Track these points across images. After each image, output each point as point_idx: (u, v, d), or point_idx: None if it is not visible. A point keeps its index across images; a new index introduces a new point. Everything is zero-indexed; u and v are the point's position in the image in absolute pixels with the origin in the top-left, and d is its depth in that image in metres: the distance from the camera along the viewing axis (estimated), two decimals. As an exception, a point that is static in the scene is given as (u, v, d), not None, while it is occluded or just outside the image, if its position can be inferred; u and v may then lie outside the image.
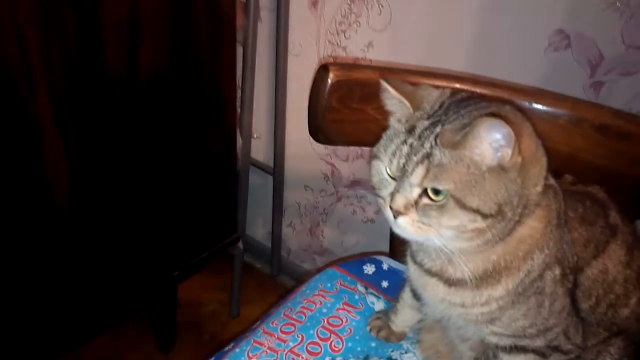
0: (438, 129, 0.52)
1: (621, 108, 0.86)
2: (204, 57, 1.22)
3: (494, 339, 0.60)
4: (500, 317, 0.56)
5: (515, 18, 1.00)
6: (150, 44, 1.09)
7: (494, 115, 0.49)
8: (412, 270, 0.64)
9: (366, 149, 1.30)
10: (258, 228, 1.66)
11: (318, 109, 0.77)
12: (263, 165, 1.52)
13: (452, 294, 0.57)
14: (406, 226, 0.53)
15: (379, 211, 1.43)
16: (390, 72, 0.78)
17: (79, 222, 1.09)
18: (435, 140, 0.51)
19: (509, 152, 0.49)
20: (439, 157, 0.50)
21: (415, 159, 0.51)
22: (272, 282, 1.65)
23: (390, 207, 0.53)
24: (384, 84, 0.57)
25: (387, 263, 0.92)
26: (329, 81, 0.75)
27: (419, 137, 0.52)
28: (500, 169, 0.50)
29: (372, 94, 0.77)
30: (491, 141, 0.49)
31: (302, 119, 1.45)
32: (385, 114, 0.79)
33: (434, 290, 0.59)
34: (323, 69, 0.75)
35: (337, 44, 1.26)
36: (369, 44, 1.21)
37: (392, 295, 0.85)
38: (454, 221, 0.51)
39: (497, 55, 1.05)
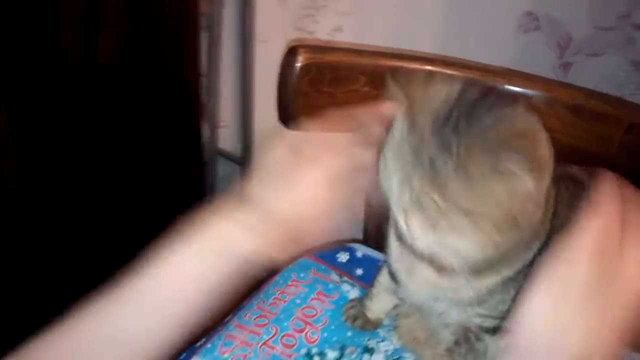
0: (450, 162, 0.43)
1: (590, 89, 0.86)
2: (167, 45, 1.18)
3: (478, 320, 0.59)
4: (488, 300, 0.55)
5: (485, 0, 0.99)
6: (110, 30, 1.05)
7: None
8: (396, 252, 0.60)
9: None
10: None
11: (287, 94, 0.74)
12: (231, 155, 1.49)
13: (441, 281, 0.55)
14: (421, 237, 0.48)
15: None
16: (361, 54, 0.75)
17: (29, 221, 1.04)
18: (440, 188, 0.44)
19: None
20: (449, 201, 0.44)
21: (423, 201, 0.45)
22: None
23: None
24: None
25: (361, 251, 0.91)
26: (298, 64, 0.72)
27: (431, 166, 0.44)
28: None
29: (343, 76, 0.75)
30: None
31: (270, 106, 1.42)
32: (358, 99, 0.77)
33: (421, 275, 0.57)
34: (291, 52, 0.73)
35: (304, 29, 1.24)
36: (337, 28, 1.18)
37: (367, 282, 0.83)
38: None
39: (467, 37, 1.04)
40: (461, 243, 0.47)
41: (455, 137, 0.44)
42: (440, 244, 0.49)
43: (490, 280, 0.53)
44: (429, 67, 0.74)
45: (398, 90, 0.47)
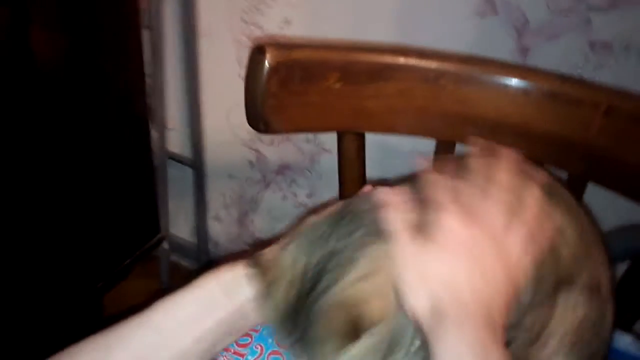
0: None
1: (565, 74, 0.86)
2: (106, 44, 1.11)
3: None
4: None
5: (440, -15, 0.98)
6: (41, 29, 0.96)
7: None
8: None
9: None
10: (182, 225, 1.56)
11: (256, 96, 0.69)
12: (181, 158, 1.42)
13: None
14: None
15: (311, 195, 1.39)
16: (331, 50, 0.72)
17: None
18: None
19: None
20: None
21: None
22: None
23: None
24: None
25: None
26: (267, 64, 0.68)
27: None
28: None
29: (313, 74, 0.71)
30: None
31: (218, 104, 1.37)
32: (331, 96, 0.74)
33: None
34: (258, 51, 0.68)
35: (252, 22, 1.19)
36: (286, 20, 1.14)
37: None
38: None
39: (423, 23, 1.02)
40: None
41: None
42: None
43: None
44: (402, 59, 0.72)
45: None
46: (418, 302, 0.44)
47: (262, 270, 0.51)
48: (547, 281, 0.50)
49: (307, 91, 0.71)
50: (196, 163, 1.39)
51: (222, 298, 0.50)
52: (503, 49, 0.96)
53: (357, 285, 0.47)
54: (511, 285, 0.46)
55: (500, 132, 0.73)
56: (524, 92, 0.69)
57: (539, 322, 0.50)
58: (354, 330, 0.46)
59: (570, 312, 0.51)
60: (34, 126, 1.01)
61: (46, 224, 1.06)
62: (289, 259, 0.50)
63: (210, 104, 1.34)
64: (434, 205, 0.47)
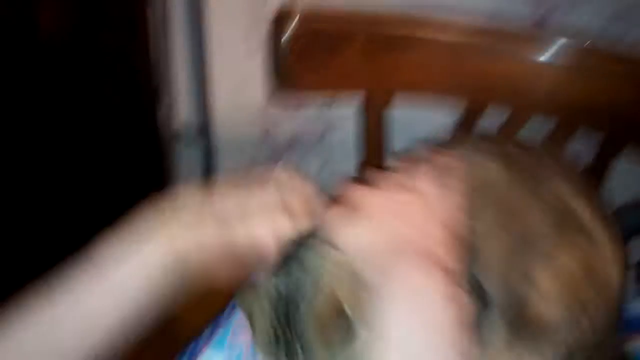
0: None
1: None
2: (113, 17, 1.10)
3: None
4: None
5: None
6: (47, 2, 0.95)
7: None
8: None
9: (305, 105, 1.24)
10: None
11: (279, 58, 0.69)
12: (189, 134, 1.41)
13: None
14: None
15: (322, 170, 1.39)
16: (354, 18, 0.71)
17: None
18: None
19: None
20: None
21: None
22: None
23: None
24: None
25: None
26: (289, 32, 0.67)
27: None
28: None
29: (336, 41, 0.71)
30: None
31: (228, 75, 1.35)
32: (353, 62, 0.74)
33: None
34: (280, 19, 0.68)
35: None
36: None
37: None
38: None
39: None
40: None
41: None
42: None
43: None
44: (426, 29, 0.72)
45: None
46: (362, 257, 0.47)
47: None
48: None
49: (330, 59, 0.71)
50: (205, 139, 1.38)
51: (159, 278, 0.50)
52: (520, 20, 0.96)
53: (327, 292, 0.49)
54: (448, 235, 0.49)
55: (527, 96, 0.74)
56: (548, 63, 0.69)
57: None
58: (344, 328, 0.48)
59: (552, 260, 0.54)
60: (40, 102, 1.00)
61: (52, 201, 1.06)
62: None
63: (219, 79, 1.33)
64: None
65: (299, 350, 0.51)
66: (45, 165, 1.06)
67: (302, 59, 0.69)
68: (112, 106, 1.16)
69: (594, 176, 0.76)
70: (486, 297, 0.53)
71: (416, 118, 1.10)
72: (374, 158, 0.81)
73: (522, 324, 0.53)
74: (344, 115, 1.25)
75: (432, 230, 0.49)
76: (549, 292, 0.53)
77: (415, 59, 0.77)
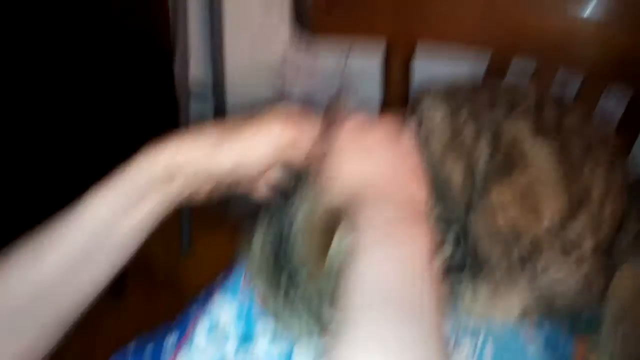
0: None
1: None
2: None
3: None
4: None
5: None
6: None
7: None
8: None
9: (321, 65, 1.20)
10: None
11: (303, 6, 0.66)
12: (201, 89, 1.39)
13: None
14: None
15: (335, 130, 1.36)
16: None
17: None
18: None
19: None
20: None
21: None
22: (223, 209, 1.54)
23: None
24: None
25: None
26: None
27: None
28: None
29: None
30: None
31: (243, 32, 1.32)
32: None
33: None
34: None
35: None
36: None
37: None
38: None
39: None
40: None
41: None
42: None
43: None
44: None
45: None
46: (340, 192, 0.51)
47: None
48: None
49: (354, 1, 0.68)
50: (217, 94, 1.36)
51: (150, 191, 0.51)
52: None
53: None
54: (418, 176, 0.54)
55: (558, 50, 0.71)
56: (582, 16, 0.66)
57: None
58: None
59: None
60: (55, 57, 0.97)
61: (67, 157, 1.04)
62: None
63: (234, 36, 1.30)
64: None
65: (294, 272, 0.53)
66: (62, 120, 1.05)
67: (326, 3, 0.66)
68: (127, 63, 1.13)
69: (623, 135, 0.73)
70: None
71: (439, 71, 1.07)
72: (396, 108, 0.78)
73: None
74: (362, 73, 1.22)
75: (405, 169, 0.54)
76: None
77: (443, 7, 0.73)
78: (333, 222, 0.50)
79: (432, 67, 1.03)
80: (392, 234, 0.45)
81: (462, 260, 0.59)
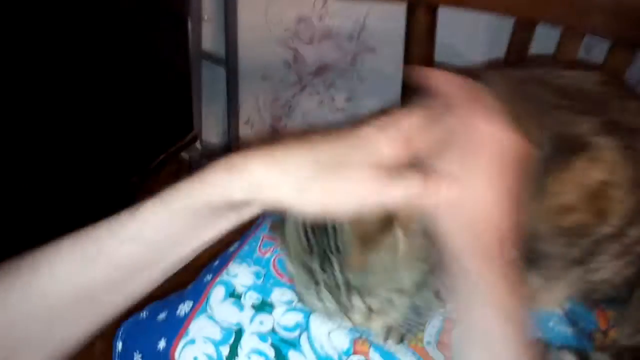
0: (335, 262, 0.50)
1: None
2: None
3: None
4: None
5: None
6: None
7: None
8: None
9: (337, 27, 1.17)
10: (212, 129, 1.51)
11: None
12: (213, 55, 1.36)
13: None
14: (379, 326, 0.54)
15: (350, 99, 1.33)
16: None
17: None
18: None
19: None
20: (359, 281, 0.50)
21: (343, 295, 0.51)
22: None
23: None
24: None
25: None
26: None
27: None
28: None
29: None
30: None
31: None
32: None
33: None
34: None
35: None
36: None
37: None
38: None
39: None
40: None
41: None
42: None
43: None
44: None
45: None
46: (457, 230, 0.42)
47: None
48: None
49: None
50: (229, 61, 1.32)
51: (224, 214, 0.45)
52: None
53: None
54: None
55: (587, 12, 0.67)
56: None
57: None
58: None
59: None
60: (72, 20, 0.95)
61: (82, 115, 1.03)
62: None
63: (247, -1, 1.26)
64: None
65: (333, 258, 0.50)
66: (78, 80, 1.03)
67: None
68: (139, 25, 1.11)
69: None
70: None
71: (460, 38, 1.03)
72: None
73: None
74: (382, 35, 1.19)
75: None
76: None
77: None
78: (387, 218, 0.47)
79: (454, 32, 1.00)
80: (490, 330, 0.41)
81: None
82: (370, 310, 0.52)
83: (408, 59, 0.75)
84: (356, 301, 0.51)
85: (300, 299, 0.56)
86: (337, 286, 0.51)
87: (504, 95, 0.58)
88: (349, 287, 0.50)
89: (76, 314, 0.47)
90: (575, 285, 0.61)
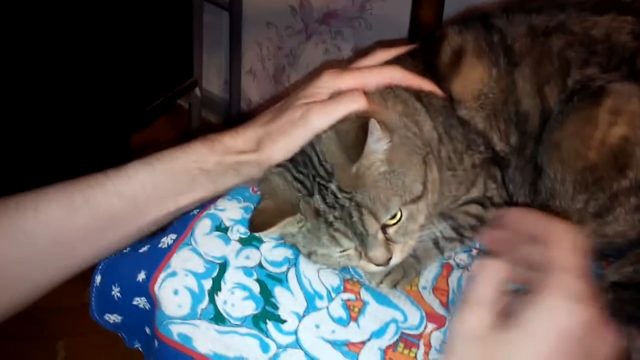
0: (332, 185, 0.50)
1: None
2: None
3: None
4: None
5: None
6: None
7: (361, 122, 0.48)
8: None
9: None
10: (213, 77, 1.47)
11: None
12: (218, 0, 1.30)
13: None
14: (398, 259, 0.52)
15: (356, 49, 1.28)
16: None
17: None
18: (344, 191, 0.49)
19: (384, 136, 0.49)
20: (364, 197, 0.49)
21: (356, 220, 0.49)
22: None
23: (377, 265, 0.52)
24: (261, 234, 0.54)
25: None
26: None
27: (333, 206, 0.50)
28: (393, 151, 0.51)
29: None
30: (373, 143, 0.49)
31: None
32: None
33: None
34: None
35: None
36: None
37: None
38: (420, 218, 0.52)
39: None
40: (411, 225, 0.52)
41: (315, 172, 0.51)
42: (405, 244, 0.52)
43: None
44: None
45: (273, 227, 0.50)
46: None
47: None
48: None
49: None
50: (233, 6, 1.27)
51: (201, 182, 0.52)
52: None
53: None
54: None
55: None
56: None
57: None
58: None
59: None
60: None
61: (81, 57, 0.99)
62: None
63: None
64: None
65: (330, 184, 0.50)
66: (77, 21, 0.99)
67: None
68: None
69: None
70: None
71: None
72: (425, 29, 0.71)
73: None
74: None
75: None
76: None
77: None
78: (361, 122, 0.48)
79: None
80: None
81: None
82: (387, 238, 0.50)
83: (417, 13, 0.70)
84: (370, 223, 0.49)
85: (314, 261, 0.53)
86: (349, 214, 0.49)
87: (527, 53, 0.55)
88: (359, 207, 0.49)
89: (54, 259, 0.50)
90: (589, 239, 0.59)
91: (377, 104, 0.53)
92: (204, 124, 1.47)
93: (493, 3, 0.79)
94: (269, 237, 0.55)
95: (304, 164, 0.51)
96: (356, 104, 0.51)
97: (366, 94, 0.52)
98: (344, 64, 0.57)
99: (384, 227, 0.51)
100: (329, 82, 0.53)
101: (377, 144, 0.49)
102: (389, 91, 0.55)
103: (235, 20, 1.29)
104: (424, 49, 0.60)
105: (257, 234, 0.54)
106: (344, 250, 0.51)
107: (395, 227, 0.51)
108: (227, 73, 1.40)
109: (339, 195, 0.49)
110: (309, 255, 0.53)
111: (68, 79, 0.99)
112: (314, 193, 0.50)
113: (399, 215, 0.51)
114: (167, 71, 1.19)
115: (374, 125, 0.47)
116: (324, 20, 1.22)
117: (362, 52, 0.57)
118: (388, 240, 0.51)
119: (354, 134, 0.49)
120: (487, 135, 0.57)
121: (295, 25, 1.26)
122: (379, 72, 0.55)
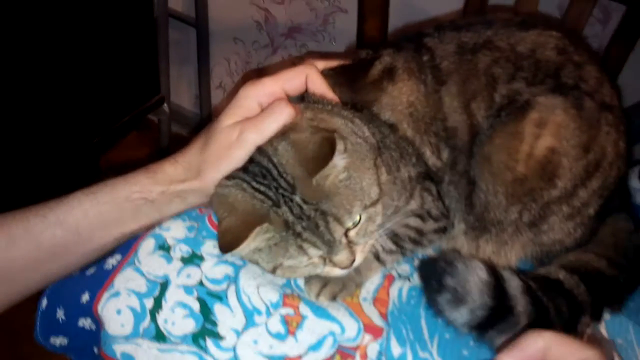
0: (296, 197, 0.50)
1: None
2: None
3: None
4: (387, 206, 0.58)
5: None
6: None
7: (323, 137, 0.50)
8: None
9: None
10: (184, 92, 1.48)
11: None
12: (183, 16, 1.32)
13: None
14: (361, 259, 0.54)
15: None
16: None
17: None
18: (309, 203, 0.50)
19: (344, 148, 0.51)
20: (329, 206, 0.51)
21: (322, 229, 0.51)
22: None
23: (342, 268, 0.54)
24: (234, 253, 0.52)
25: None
26: None
27: (300, 217, 0.51)
28: (347, 158, 0.52)
29: None
30: (337, 158, 0.50)
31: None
32: None
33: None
34: None
35: None
36: None
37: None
38: (378, 219, 0.54)
39: None
40: (371, 227, 0.53)
41: (277, 184, 0.51)
42: (365, 246, 0.54)
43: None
44: None
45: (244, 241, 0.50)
46: None
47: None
48: None
49: None
50: (200, 22, 1.29)
51: (144, 205, 0.53)
52: None
53: None
54: None
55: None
56: None
57: None
58: None
59: None
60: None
61: (46, 76, 0.99)
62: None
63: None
64: None
65: (293, 196, 0.50)
66: (44, 39, 0.99)
67: None
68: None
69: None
70: None
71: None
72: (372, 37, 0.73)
73: None
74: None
75: None
76: None
77: None
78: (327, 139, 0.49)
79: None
80: None
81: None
82: (349, 241, 0.52)
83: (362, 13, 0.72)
84: (336, 229, 0.50)
85: (279, 275, 0.54)
86: (316, 224, 0.50)
87: (454, 70, 0.57)
88: (324, 216, 0.50)
89: None
90: (527, 248, 0.62)
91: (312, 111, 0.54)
92: (176, 138, 1.48)
93: (432, 19, 0.82)
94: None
95: (262, 175, 0.51)
96: (284, 116, 0.52)
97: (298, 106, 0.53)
98: (262, 73, 0.58)
99: (345, 231, 0.52)
100: (251, 91, 0.54)
101: (340, 157, 0.50)
102: (320, 102, 0.56)
103: (202, 36, 1.31)
104: (356, 64, 0.61)
105: (229, 254, 0.52)
106: (310, 259, 0.52)
107: (355, 229, 0.52)
108: (197, 88, 1.41)
109: (304, 207, 0.50)
110: (273, 270, 0.53)
111: (33, 98, 1.00)
112: (280, 205, 0.51)
113: (358, 218, 0.52)
114: (134, 88, 1.20)
115: (339, 141, 0.49)
116: (289, 34, 1.24)
117: (293, 62, 0.58)
118: (350, 243, 0.52)
119: (315, 147, 0.50)
120: (418, 148, 0.58)
121: (261, 40, 1.28)
122: (295, 71, 0.56)
